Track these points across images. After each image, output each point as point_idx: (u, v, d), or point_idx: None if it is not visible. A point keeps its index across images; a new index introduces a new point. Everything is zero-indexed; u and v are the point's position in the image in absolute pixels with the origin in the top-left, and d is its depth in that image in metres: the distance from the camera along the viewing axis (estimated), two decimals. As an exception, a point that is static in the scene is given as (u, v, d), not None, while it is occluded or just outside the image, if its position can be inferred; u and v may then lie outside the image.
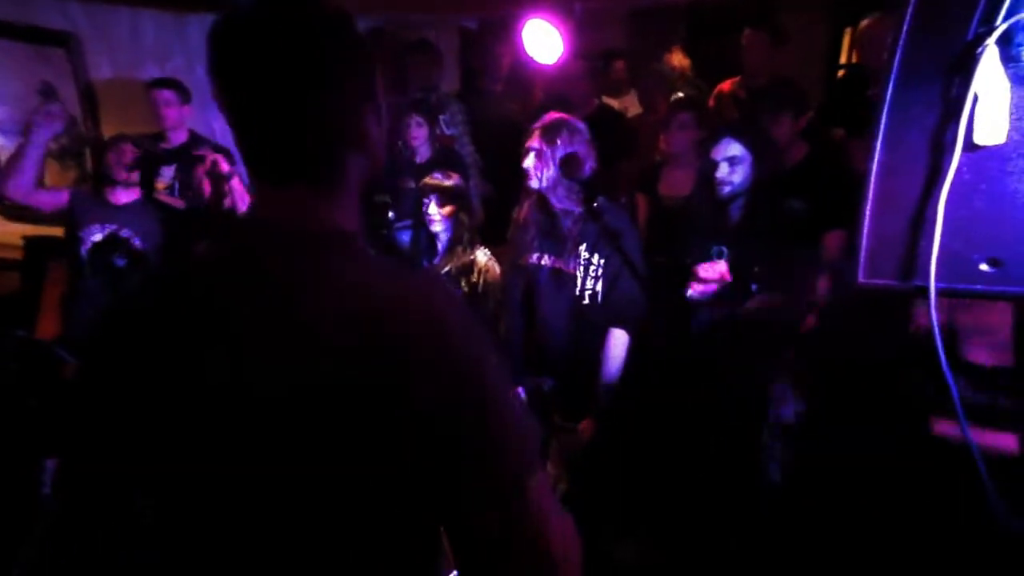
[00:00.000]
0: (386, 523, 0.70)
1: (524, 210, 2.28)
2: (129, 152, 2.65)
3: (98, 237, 2.62)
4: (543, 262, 2.21)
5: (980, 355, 1.29)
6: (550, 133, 2.12)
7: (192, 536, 0.73)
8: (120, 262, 2.49)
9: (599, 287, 2.12)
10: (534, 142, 2.14)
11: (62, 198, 2.71)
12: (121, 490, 0.74)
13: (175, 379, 0.70)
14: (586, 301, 2.13)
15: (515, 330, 2.29)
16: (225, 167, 2.51)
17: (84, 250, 2.62)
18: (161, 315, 0.72)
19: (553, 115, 2.20)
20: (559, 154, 2.06)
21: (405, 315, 0.67)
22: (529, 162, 2.12)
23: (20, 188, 2.62)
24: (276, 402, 0.66)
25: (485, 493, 0.67)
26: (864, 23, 2.82)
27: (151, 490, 0.73)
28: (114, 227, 2.62)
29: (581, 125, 2.18)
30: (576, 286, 2.13)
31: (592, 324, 2.14)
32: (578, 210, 2.14)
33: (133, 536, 0.74)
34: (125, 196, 2.70)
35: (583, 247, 2.13)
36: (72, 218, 2.65)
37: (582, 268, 2.13)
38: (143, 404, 0.71)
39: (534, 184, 2.14)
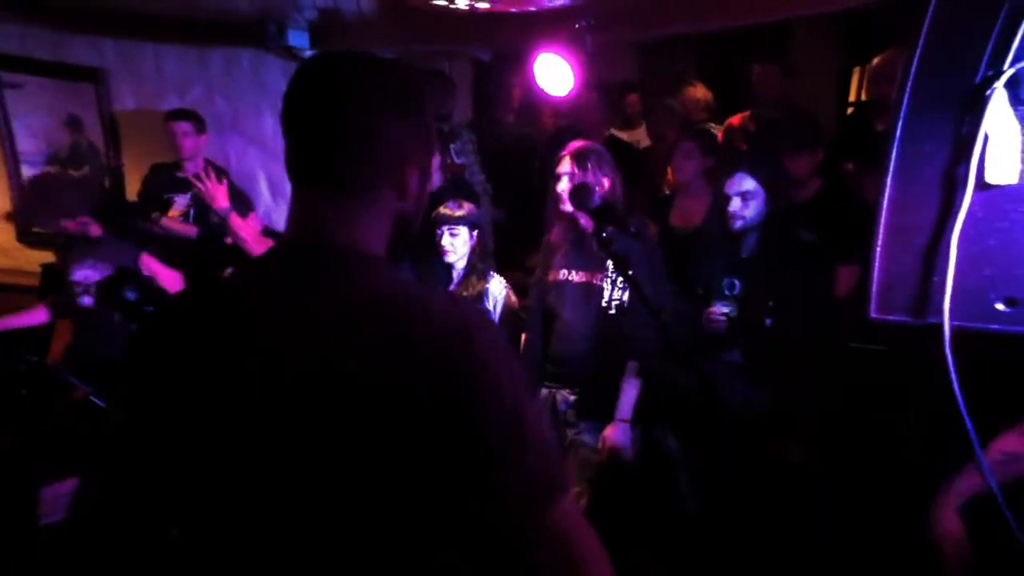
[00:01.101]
0: (409, 530, 0.72)
1: (554, 232, 2.31)
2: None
3: (78, 276, 2.71)
4: (571, 277, 2.24)
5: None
6: (581, 159, 2.17)
7: (215, 531, 0.75)
8: (131, 295, 2.54)
9: (626, 296, 2.15)
10: (566, 167, 2.18)
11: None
12: (152, 493, 0.76)
13: (213, 386, 0.73)
14: (612, 311, 2.15)
15: (535, 343, 2.32)
16: (221, 203, 2.58)
17: (74, 290, 2.71)
18: (204, 326, 0.76)
19: (581, 142, 2.25)
20: (589, 179, 2.10)
21: (439, 327, 0.71)
22: (563, 186, 2.17)
23: None
24: (312, 406, 0.70)
25: (521, 503, 0.70)
26: (876, 59, 2.84)
27: (180, 488, 0.76)
28: (90, 261, 2.72)
29: (605, 151, 2.24)
30: (603, 298, 2.17)
31: (613, 335, 2.16)
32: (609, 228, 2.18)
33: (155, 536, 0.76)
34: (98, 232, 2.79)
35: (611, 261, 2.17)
36: (65, 258, 2.79)
37: (609, 280, 2.16)
38: (183, 410, 0.74)
39: (568, 208, 2.17)
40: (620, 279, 2.16)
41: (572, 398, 2.24)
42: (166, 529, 0.77)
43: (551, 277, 2.29)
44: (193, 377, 0.74)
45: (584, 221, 2.17)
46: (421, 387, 0.69)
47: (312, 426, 0.70)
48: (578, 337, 2.21)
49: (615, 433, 2.14)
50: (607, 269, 2.17)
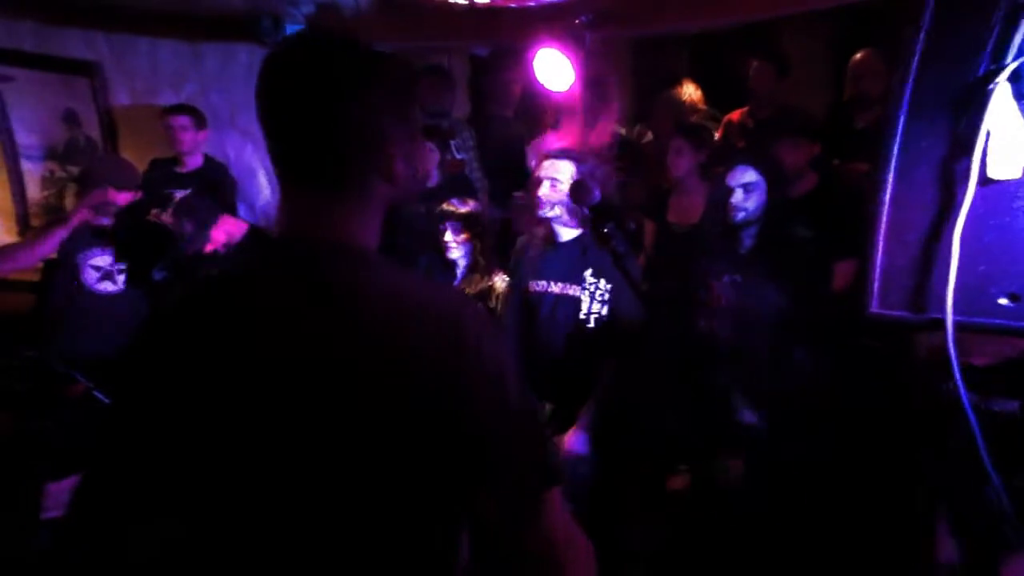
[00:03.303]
0: (418, 518, 0.74)
1: (528, 236, 2.29)
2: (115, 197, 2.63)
3: (98, 261, 2.64)
4: (549, 288, 2.22)
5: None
6: (561, 161, 2.16)
7: (222, 529, 0.74)
8: (159, 275, 2.50)
9: (605, 311, 2.13)
10: (545, 171, 2.17)
11: (63, 232, 2.60)
12: (154, 497, 0.75)
13: (220, 386, 0.73)
14: (591, 324, 2.13)
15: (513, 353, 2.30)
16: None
17: (84, 274, 2.63)
18: (205, 326, 0.75)
19: (562, 144, 2.23)
20: (569, 182, 2.10)
21: (439, 322, 0.71)
22: (544, 190, 2.15)
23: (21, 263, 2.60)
24: (322, 404, 0.70)
25: (510, 497, 0.72)
26: (855, 57, 2.85)
27: (189, 493, 0.75)
28: (113, 250, 2.65)
29: (588, 155, 2.24)
30: (580, 310, 2.14)
31: (592, 348, 2.14)
32: (582, 234, 2.18)
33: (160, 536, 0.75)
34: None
35: (588, 272, 2.15)
36: (72, 241, 2.63)
37: (588, 293, 2.14)
38: (189, 413, 0.73)
39: (545, 212, 2.16)
40: (600, 291, 2.13)
41: (548, 409, 2.21)
42: (170, 528, 0.76)
43: (527, 287, 2.26)
44: (204, 377, 0.73)
45: (563, 226, 2.16)
46: (425, 381, 0.69)
47: (323, 422, 0.70)
48: (555, 350, 2.18)
49: (572, 441, 2.10)
50: (584, 280, 2.15)
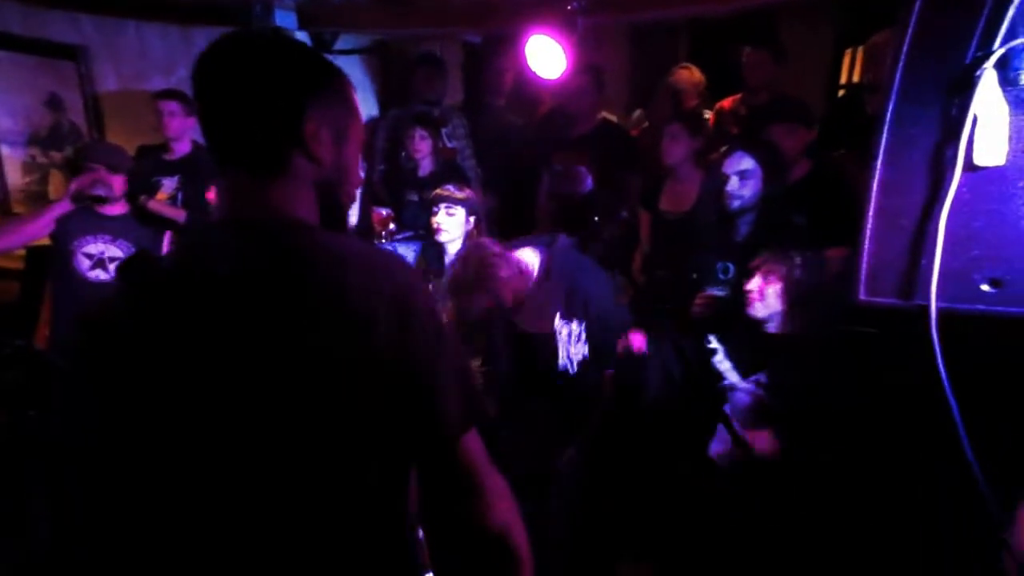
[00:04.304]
0: (379, 469, 0.80)
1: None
2: (107, 176, 2.58)
3: (91, 249, 2.60)
4: (526, 328, 2.12)
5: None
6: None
7: (207, 509, 0.76)
8: None
9: (586, 350, 2.05)
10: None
11: (58, 210, 2.56)
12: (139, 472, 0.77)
13: (194, 362, 0.75)
14: (574, 370, 2.05)
15: (506, 370, 2.22)
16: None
17: (76, 262, 2.59)
18: (159, 315, 0.77)
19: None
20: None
21: (379, 285, 0.76)
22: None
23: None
24: (284, 370, 0.73)
25: (432, 432, 0.79)
26: (874, 38, 2.83)
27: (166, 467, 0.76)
28: (107, 238, 2.61)
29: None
30: (559, 358, 2.05)
31: (583, 383, 2.08)
32: (539, 280, 2.08)
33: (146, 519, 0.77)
34: (115, 209, 2.66)
35: (557, 318, 2.05)
36: (65, 228, 2.58)
37: (561, 340, 2.04)
38: (168, 391, 0.75)
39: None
40: (573, 334, 2.03)
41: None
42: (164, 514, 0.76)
43: (510, 320, 2.14)
44: (178, 355, 0.74)
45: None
46: (382, 343, 0.75)
47: (291, 387, 0.73)
48: (548, 385, 2.10)
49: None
50: (554, 328, 2.03)
